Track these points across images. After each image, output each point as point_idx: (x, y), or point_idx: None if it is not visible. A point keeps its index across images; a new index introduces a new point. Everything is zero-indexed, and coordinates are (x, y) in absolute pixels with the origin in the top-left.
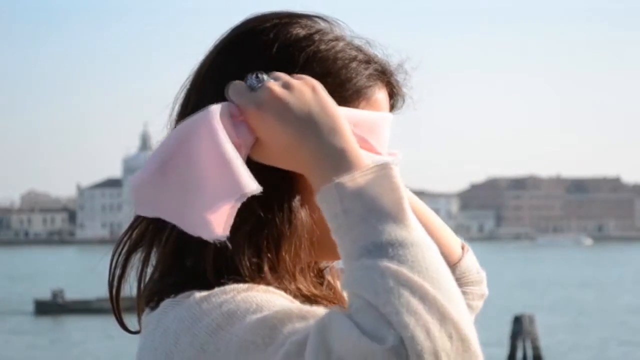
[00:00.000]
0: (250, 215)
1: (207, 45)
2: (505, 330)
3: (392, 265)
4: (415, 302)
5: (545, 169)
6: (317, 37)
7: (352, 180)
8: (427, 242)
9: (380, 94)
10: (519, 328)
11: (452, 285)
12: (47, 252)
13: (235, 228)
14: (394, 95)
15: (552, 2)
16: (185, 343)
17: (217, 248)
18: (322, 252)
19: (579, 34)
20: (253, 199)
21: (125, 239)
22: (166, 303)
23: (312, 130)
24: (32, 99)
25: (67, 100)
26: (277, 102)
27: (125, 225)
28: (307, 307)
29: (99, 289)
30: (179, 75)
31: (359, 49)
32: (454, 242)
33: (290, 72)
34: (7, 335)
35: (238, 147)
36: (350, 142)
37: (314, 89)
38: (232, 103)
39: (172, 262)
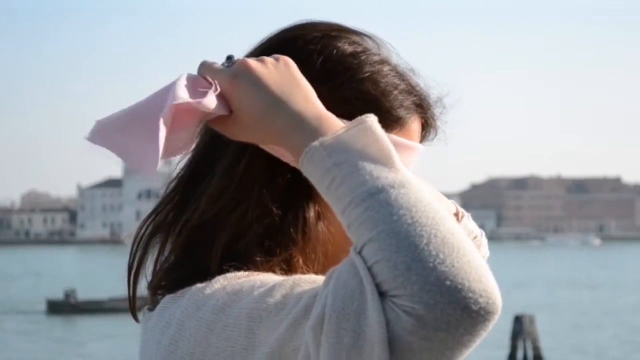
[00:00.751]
0: (265, 215)
1: (207, 46)
2: (505, 330)
3: (400, 201)
4: (424, 236)
5: (545, 169)
6: (363, 56)
7: (336, 137)
8: (419, 183)
9: (414, 125)
10: (520, 328)
11: (451, 219)
12: (49, 252)
13: (248, 225)
14: (427, 127)
15: (552, 1)
16: (190, 328)
17: (226, 246)
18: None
19: (579, 34)
20: (271, 200)
21: (148, 222)
22: (166, 299)
23: (287, 98)
24: (32, 98)
25: (68, 99)
26: (251, 72)
27: (126, 225)
28: (315, 276)
29: (110, 289)
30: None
31: (402, 76)
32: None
33: (330, 87)
34: (21, 335)
35: (192, 108)
36: (324, 109)
37: (286, 64)
38: (202, 78)
39: (181, 255)
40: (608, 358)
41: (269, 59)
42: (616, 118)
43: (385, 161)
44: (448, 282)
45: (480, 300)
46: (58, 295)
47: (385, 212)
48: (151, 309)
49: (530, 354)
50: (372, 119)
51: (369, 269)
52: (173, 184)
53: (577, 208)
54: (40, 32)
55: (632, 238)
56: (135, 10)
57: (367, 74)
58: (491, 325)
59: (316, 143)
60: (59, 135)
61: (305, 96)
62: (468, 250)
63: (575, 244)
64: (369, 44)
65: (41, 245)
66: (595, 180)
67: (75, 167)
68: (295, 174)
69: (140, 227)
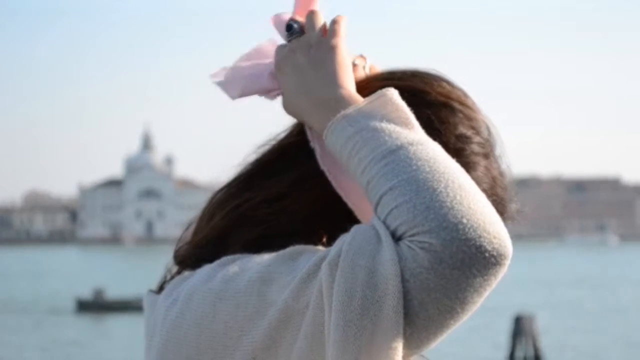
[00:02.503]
0: (307, 238)
1: (207, 47)
2: (505, 330)
3: (418, 155)
4: (442, 181)
5: (545, 169)
6: (469, 145)
7: (357, 109)
8: (434, 143)
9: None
10: (520, 328)
11: (466, 174)
12: (51, 251)
13: (284, 235)
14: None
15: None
16: (197, 299)
17: (253, 242)
18: None
19: (579, 34)
20: (319, 226)
21: (218, 194)
22: (176, 280)
23: (308, 84)
24: (33, 97)
25: (68, 99)
26: (282, 60)
27: (126, 225)
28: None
29: (139, 288)
30: (179, 76)
31: (494, 179)
32: None
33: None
34: (51, 334)
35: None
36: (348, 92)
37: (318, 48)
38: None
39: (215, 236)
40: (609, 358)
41: (304, 42)
42: (616, 117)
43: (404, 124)
44: (465, 220)
45: (494, 241)
46: (86, 294)
47: (405, 164)
48: (157, 292)
49: (530, 354)
50: (392, 92)
51: (387, 215)
52: (246, 169)
53: (577, 208)
54: (41, 30)
55: (632, 238)
56: (138, 5)
57: (469, 159)
58: (501, 272)
59: (339, 116)
60: (60, 135)
61: (328, 80)
62: (483, 197)
63: (595, 242)
64: (479, 122)
65: (42, 244)
66: (594, 181)
67: (76, 166)
68: (349, 216)
69: (212, 198)
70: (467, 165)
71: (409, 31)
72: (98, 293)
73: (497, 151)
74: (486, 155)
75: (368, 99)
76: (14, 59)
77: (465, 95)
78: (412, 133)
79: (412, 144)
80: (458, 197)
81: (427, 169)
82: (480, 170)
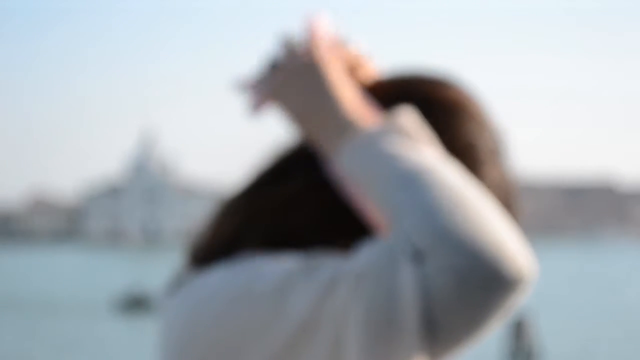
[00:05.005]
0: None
1: (208, 47)
2: (505, 330)
3: (439, 176)
4: (458, 205)
5: (543, 170)
6: (476, 150)
7: (367, 135)
8: (444, 164)
9: None
10: (520, 328)
11: (482, 197)
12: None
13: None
14: None
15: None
16: (215, 300)
17: (273, 246)
18: None
19: (579, 35)
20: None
21: (228, 197)
22: (190, 279)
23: (304, 115)
24: (33, 97)
25: (68, 99)
26: (273, 94)
27: (127, 225)
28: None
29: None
30: (178, 78)
31: (505, 183)
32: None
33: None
34: (93, 332)
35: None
36: (344, 117)
37: (306, 75)
38: None
39: (226, 240)
40: (609, 358)
41: (294, 73)
42: (616, 116)
43: (416, 145)
44: (482, 243)
45: (511, 263)
46: (124, 292)
47: (423, 186)
48: (174, 289)
49: (530, 354)
50: (403, 111)
51: (404, 234)
52: (256, 173)
53: (575, 209)
54: (40, 29)
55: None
56: (139, 6)
57: (494, 178)
58: (518, 293)
59: (348, 144)
60: (61, 136)
61: (328, 106)
62: (502, 219)
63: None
64: (488, 125)
65: (42, 244)
66: (591, 182)
67: (77, 166)
68: (361, 226)
69: (222, 202)
70: (479, 172)
71: (409, 31)
72: (137, 291)
73: (507, 155)
74: (497, 159)
75: (377, 121)
76: (14, 61)
77: (473, 96)
78: (427, 154)
79: (428, 166)
80: (477, 219)
81: (446, 191)
82: (492, 174)
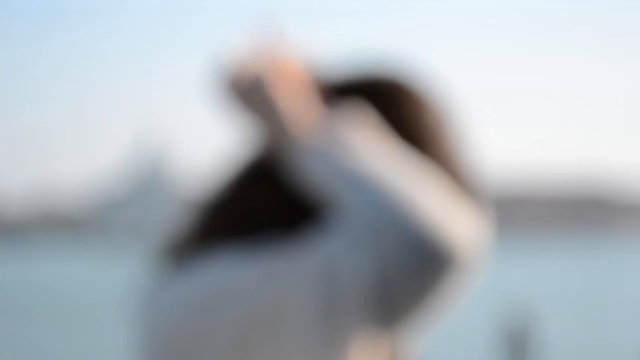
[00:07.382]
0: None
1: (207, 49)
2: (505, 330)
3: (386, 166)
4: (396, 190)
5: (543, 170)
6: (428, 132)
7: (320, 141)
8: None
9: None
10: (520, 328)
11: (428, 180)
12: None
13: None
14: None
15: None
16: (233, 284)
17: (249, 241)
18: None
19: (579, 35)
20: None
21: (207, 195)
22: (186, 270)
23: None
24: (33, 98)
25: (68, 99)
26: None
27: (129, 226)
28: None
29: None
30: (176, 80)
31: (457, 161)
32: None
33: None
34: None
35: None
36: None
37: (258, 87)
38: None
39: (207, 235)
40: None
41: (250, 83)
42: (615, 114)
43: (355, 144)
44: (421, 222)
45: (446, 242)
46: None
47: (369, 176)
48: (164, 284)
49: (530, 354)
50: (354, 112)
51: (357, 216)
52: (232, 173)
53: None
54: (41, 32)
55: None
56: (140, 7)
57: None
58: (458, 270)
59: (302, 149)
60: (61, 137)
61: (280, 120)
62: (442, 201)
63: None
64: (427, 104)
65: (46, 252)
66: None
67: (79, 166)
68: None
69: (201, 201)
70: (424, 149)
71: (409, 31)
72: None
73: (454, 132)
74: (441, 136)
75: (325, 120)
76: (14, 61)
77: (412, 80)
78: (369, 145)
79: (368, 160)
80: (409, 205)
81: (383, 184)
82: (437, 150)
